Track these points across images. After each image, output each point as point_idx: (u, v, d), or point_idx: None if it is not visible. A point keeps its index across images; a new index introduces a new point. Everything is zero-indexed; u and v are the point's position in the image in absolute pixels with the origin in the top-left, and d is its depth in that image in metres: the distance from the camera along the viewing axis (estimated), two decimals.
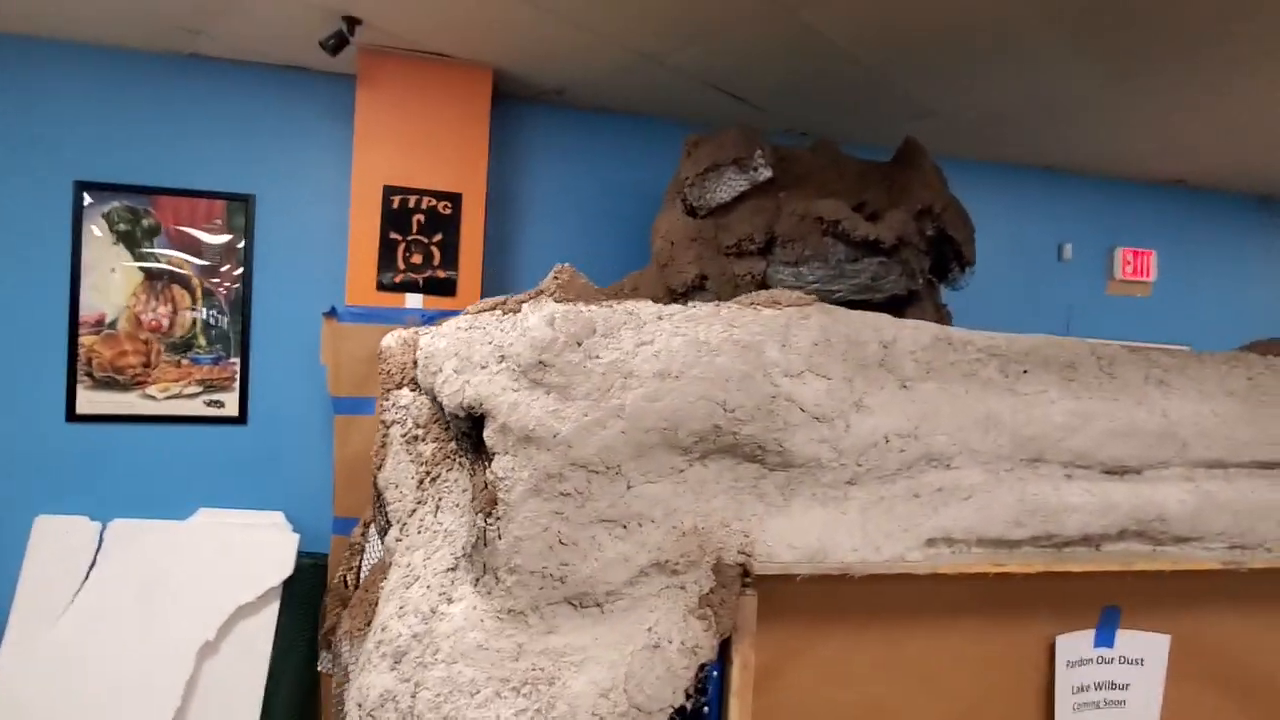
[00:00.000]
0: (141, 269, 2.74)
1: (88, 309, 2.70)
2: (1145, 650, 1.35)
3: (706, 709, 1.10)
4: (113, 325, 2.72)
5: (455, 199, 2.68)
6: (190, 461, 2.78)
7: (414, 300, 2.71)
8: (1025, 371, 1.31)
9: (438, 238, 2.67)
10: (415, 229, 2.65)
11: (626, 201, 3.10)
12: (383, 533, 1.43)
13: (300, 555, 2.68)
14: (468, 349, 1.15)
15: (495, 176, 2.83)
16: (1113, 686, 1.36)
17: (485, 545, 1.07)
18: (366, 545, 1.74)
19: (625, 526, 1.06)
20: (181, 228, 2.77)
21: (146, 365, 2.74)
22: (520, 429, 1.06)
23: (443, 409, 1.26)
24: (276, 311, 2.87)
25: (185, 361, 2.79)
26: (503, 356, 1.10)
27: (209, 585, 2.60)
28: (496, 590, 1.06)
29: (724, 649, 1.10)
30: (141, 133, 2.75)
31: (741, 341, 1.09)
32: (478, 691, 0.99)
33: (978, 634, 1.28)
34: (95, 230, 2.70)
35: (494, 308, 1.22)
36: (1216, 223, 3.99)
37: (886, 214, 2.37)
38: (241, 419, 2.86)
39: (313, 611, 2.64)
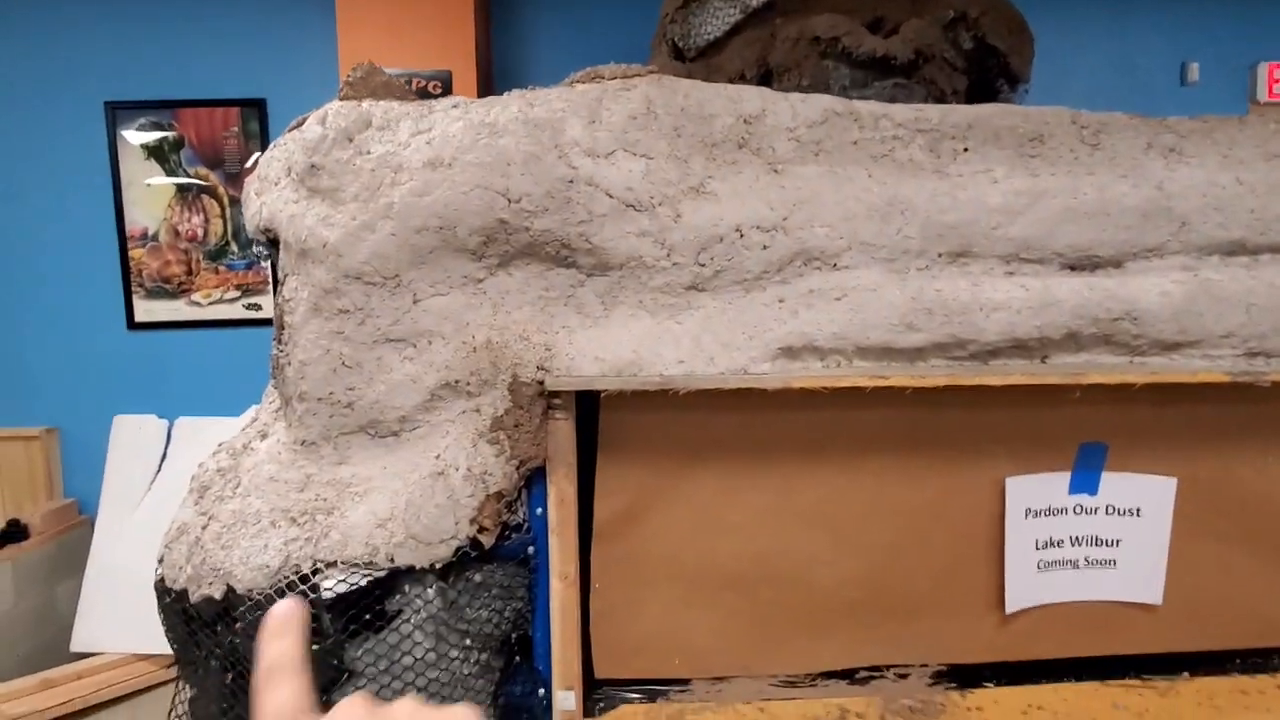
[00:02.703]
0: (173, 183, 2.86)
1: (132, 224, 2.86)
2: (1141, 497, 1.06)
3: (531, 549, 0.97)
4: (155, 237, 2.87)
5: (445, 78, 2.55)
6: (238, 362, 2.94)
7: None
8: (965, 149, 1.02)
9: None
10: None
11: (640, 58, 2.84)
12: None
13: None
14: (266, 168, 1.04)
15: (492, 51, 2.66)
16: (1097, 543, 1.08)
17: (278, 374, 0.98)
18: None
19: (414, 345, 0.93)
20: (203, 138, 2.85)
21: (189, 273, 2.89)
22: (298, 243, 0.94)
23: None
24: None
25: (222, 268, 2.91)
26: (287, 168, 0.98)
27: None
28: (292, 421, 0.97)
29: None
30: (159, 49, 2.83)
31: (534, 120, 0.90)
32: (258, 522, 0.92)
33: (899, 475, 1.04)
34: (128, 147, 2.83)
35: (298, 125, 1.09)
36: None
37: (904, 25, 1.99)
38: None
39: None
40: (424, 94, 2.60)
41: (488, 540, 0.91)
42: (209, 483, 1.01)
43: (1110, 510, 1.07)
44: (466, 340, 0.92)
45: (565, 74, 1.03)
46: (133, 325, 2.90)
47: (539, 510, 0.96)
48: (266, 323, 2.95)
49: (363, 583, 0.89)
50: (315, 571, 0.89)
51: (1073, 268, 0.98)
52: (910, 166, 1.00)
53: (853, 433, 1.03)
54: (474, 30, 2.55)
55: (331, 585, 0.89)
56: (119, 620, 2.66)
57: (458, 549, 0.90)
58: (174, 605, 0.96)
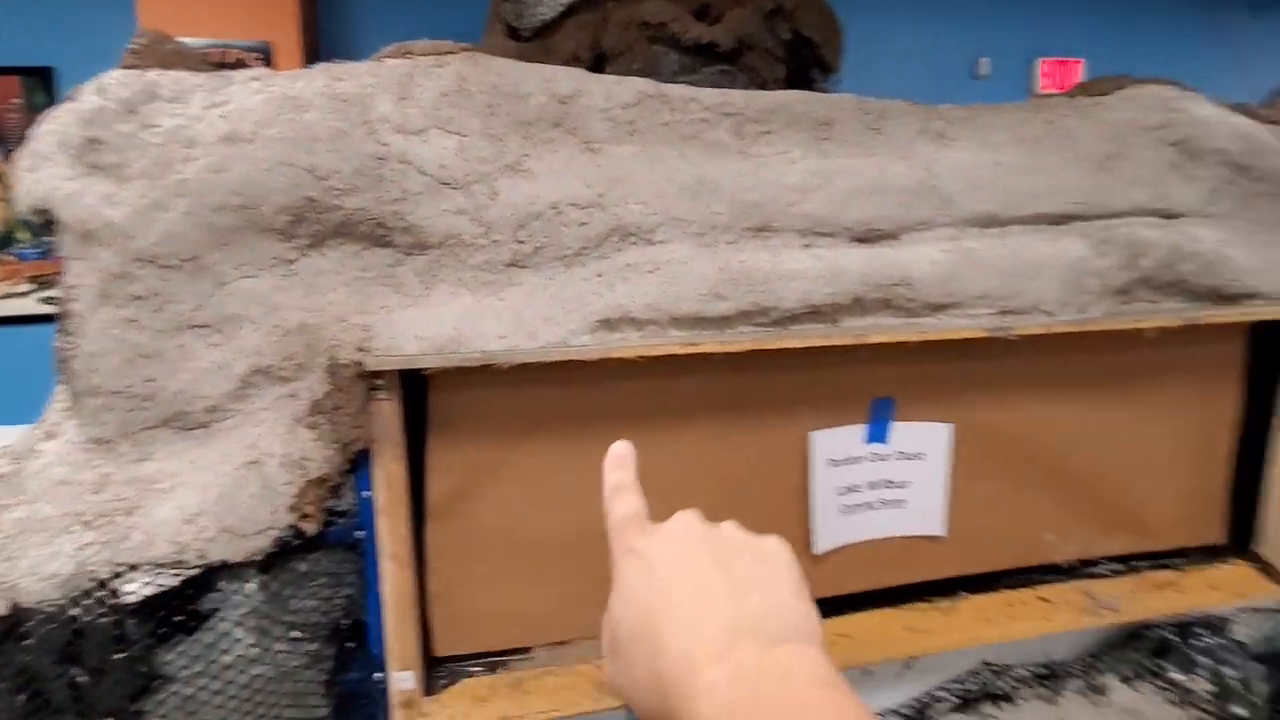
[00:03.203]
0: None
1: None
2: (924, 443, 1.20)
3: (360, 533, 0.96)
4: None
5: (264, 50, 2.40)
6: (32, 363, 2.63)
7: None
8: (768, 132, 1.10)
9: None
10: None
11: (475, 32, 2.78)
12: None
13: None
14: (38, 143, 0.94)
15: (319, 23, 2.52)
16: (890, 485, 1.21)
17: (64, 369, 0.90)
18: None
19: (221, 331, 0.89)
20: None
21: None
22: (79, 224, 0.87)
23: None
24: None
25: (10, 258, 2.59)
26: (61, 142, 0.90)
27: None
28: (85, 418, 0.90)
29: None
30: None
31: (341, 95, 0.88)
32: (46, 530, 0.85)
33: (717, 435, 1.12)
34: None
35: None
36: (1151, 22, 3.62)
37: (727, 14, 2.09)
38: None
39: None
40: (238, 67, 2.42)
41: (311, 528, 0.89)
42: None
43: (900, 456, 1.20)
44: (279, 324, 0.89)
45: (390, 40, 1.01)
46: None
47: (366, 493, 0.95)
48: None
49: (172, 583, 0.85)
50: (116, 576, 0.84)
51: (860, 240, 1.08)
52: (718, 147, 1.07)
53: (672, 400, 1.09)
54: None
55: (134, 589, 0.84)
56: None
57: (277, 539, 0.88)
58: None
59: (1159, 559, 1.36)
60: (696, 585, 0.44)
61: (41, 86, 2.52)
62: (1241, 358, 1.31)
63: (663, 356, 0.98)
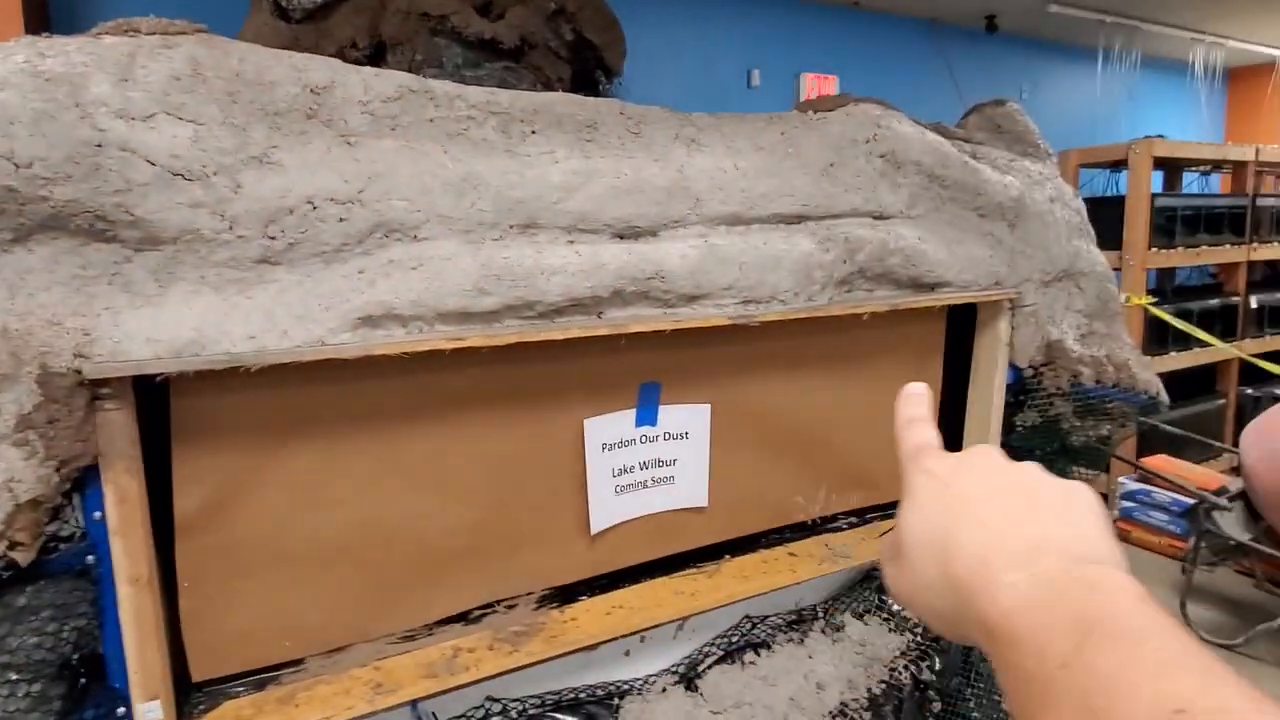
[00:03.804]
0: None
1: None
2: (688, 423, 1.31)
3: (91, 558, 0.87)
4: None
5: None
6: None
7: None
8: (533, 132, 1.13)
9: None
10: None
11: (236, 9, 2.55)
12: None
13: None
14: None
15: (49, 23, 2.17)
16: (659, 464, 1.31)
17: None
18: None
19: None
20: None
21: None
22: None
23: None
24: None
25: None
26: None
27: None
28: None
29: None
30: None
31: (47, 73, 0.79)
32: None
33: (494, 428, 1.15)
34: None
35: None
36: (892, 46, 4.14)
37: (509, 10, 2.10)
38: None
39: None
40: None
41: (24, 557, 0.80)
42: None
43: (667, 437, 1.31)
44: None
45: (146, 14, 0.91)
46: None
47: (96, 514, 0.87)
48: None
49: None
50: None
51: (620, 236, 1.16)
52: (484, 145, 1.09)
53: (446, 394, 1.10)
54: None
55: None
56: None
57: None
58: None
59: (885, 510, 1.60)
60: (997, 502, 0.46)
61: None
62: (940, 336, 1.57)
63: (430, 352, 0.99)
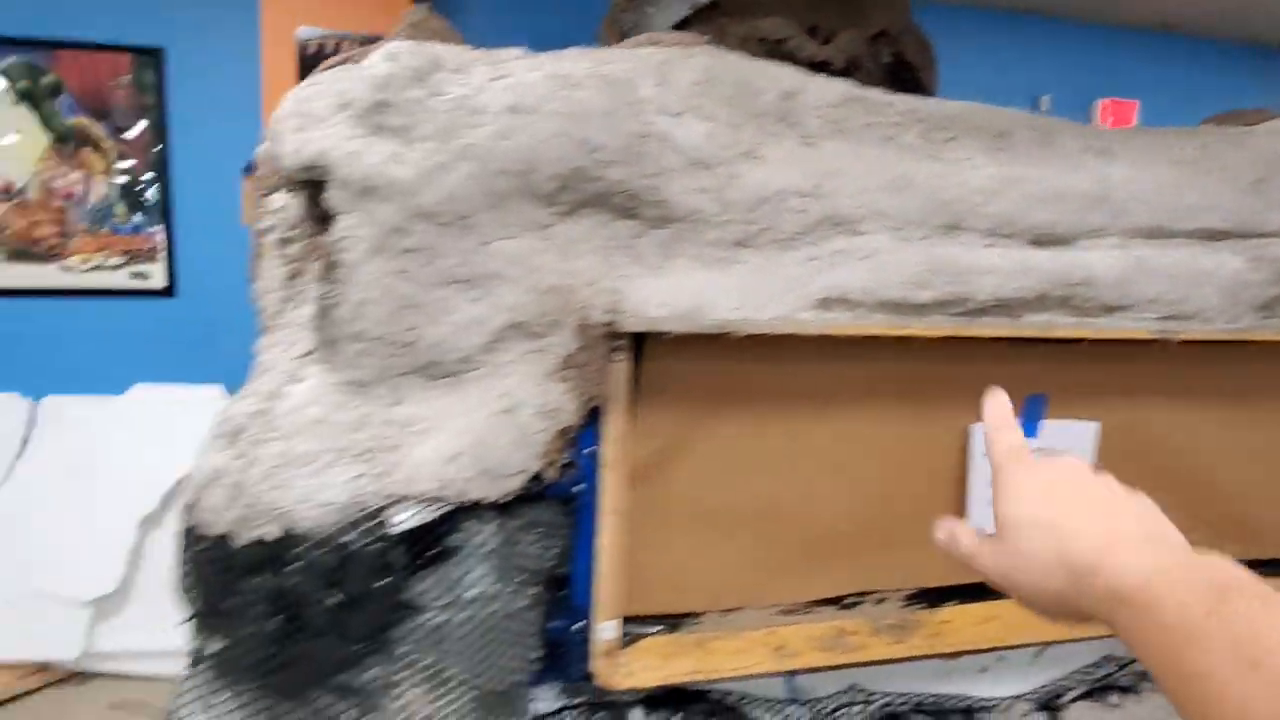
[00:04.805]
0: (48, 131, 2.56)
1: None
2: (1071, 440, 1.27)
3: (577, 488, 1.02)
4: (22, 192, 2.56)
5: (375, 42, 2.47)
6: (121, 336, 2.68)
7: None
8: (952, 138, 1.18)
9: None
10: None
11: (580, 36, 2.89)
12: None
13: None
14: (308, 105, 1.01)
15: None
16: None
17: (326, 315, 0.97)
18: None
19: (480, 287, 0.96)
20: (86, 85, 2.58)
21: (62, 235, 2.60)
22: (359, 180, 0.94)
23: (298, 190, 1.13)
24: (199, 175, 2.71)
25: (105, 232, 2.64)
26: (341, 105, 0.97)
27: (149, 458, 2.53)
28: (340, 362, 0.96)
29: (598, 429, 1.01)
30: None
31: (609, 77, 0.96)
32: (311, 463, 0.90)
33: (888, 421, 1.19)
34: None
35: (339, 63, 1.08)
36: (1204, 71, 3.76)
37: (838, 36, 2.19)
38: (170, 291, 2.74)
39: None
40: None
41: (553, 475, 0.95)
42: (241, 426, 0.98)
43: (1047, 451, 1.27)
44: (535, 284, 0.96)
45: (498, 39, 1.07)
46: None
47: (588, 449, 1.01)
48: (153, 293, 2.71)
49: (432, 518, 0.91)
50: (385, 507, 0.90)
51: (1036, 243, 1.16)
52: (910, 149, 1.15)
53: (858, 382, 1.16)
54: None
55: (401, 520, 0.90)
56: None
57: (526, 483, 0.94)
58: (209, 552, 0.92)
59: (1263, 566, 1.43)
60: (1102, 497, 0.54)
61: (151, 65, 2.59)
62: None
63: (863, 338, 1.06)
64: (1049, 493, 0.54)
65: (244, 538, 0.90)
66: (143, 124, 2.59)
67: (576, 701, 1.14)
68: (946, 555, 1.26)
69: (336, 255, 0.96)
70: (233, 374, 2.76)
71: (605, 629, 1.04)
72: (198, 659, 0.97)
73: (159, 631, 2.44)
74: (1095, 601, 0.48)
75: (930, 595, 1.28)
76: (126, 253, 2.64)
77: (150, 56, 2.57)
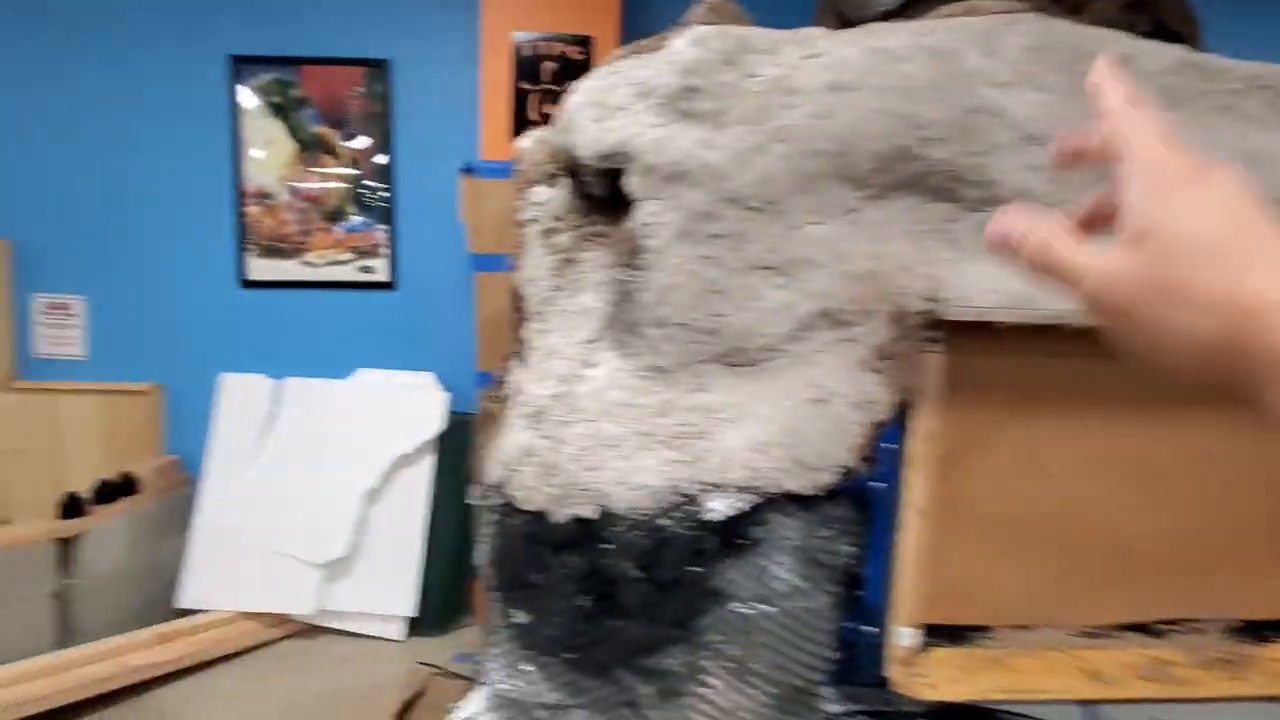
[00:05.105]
0: (294, 140, 2.83)
1: (249, 181, 2.83)
2: None
3: (872, 483, 0.97)
4: (271, 196, 2.84)
5: (585, 42, 2.54)
6: (348, 325, 2.92)
7: None
8: None
9: (569, 85, 2.56)
10: (546, 78, 2.55)
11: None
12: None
13: (451, 414, 2.76)
14: (605, 95, 1.03)
15: (630, 17, 2.65)
16: None
17: (627, 300, 0.97)
18: (508, 374, 1.72)
19: (787, 273, 0.93)
20: (326, 97, 2.82)
21: (305, 233, 2.87)
22: (666, 166, 0.93)
23: (580, 184, 1.15)
24: (419, 176, 2.90)
25: (337, 229, 2.89)
26: (644, 93, 0.97)
27: (371, 438, 2.74)
28: (641, 348, 0.96)
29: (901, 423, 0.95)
30: (285, 4, 2.79)
31: (934, 48, 0.90)
32: (619, 445, 0.91)
33: (1217, 430, 1.05)
34: (249, 103, 2.80)
35: (632, 53, 1.09)
36: None
37: (1090, 4, 2.00)
38: (391, 284, 2.95)
39: (462, 463, 2.73)
40: (564, 60, 2.58)
41: (866, 469, 0.91)
42: (543, 408, 1.00)
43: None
44: (846, 269, 0.92)
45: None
46: (244, 283, 2.87)
47: (889, 445, 0.96)
48: (377, 286, 2.93)
49: (745, 507, 0.89)
50: (699, 494, 0.89)
51: None
52: (1254, 120, 1.01)
53: (1159, 387, 1.03)
54: None
55: (716, 507, 0.89)
56: (227, 580, 2.63)
57: (837, 476, 0.90)
58: (523, 527, 0.95)
59: None
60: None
61: (381, 78, 2.80)
62: None
63: None
64: (1226, 206, 0.41)
65: (560, 515, 0.92)
66: (371, 131, 2.81)
67: (862, 709, 1.09)
68: (1272, 586, 1.07)
69: (642, 240, 0.97)
70: (443, 363, 2.93)
71: (904, 635, 0.98)
72: (502, 628, 1.00)
73: (378, 598, 2.63)
74: (1262, 363, 0.38)
75: (1250, 628, 1.12)
76: (355, 249, 2.87)
77: (378, 68, 2.78)
